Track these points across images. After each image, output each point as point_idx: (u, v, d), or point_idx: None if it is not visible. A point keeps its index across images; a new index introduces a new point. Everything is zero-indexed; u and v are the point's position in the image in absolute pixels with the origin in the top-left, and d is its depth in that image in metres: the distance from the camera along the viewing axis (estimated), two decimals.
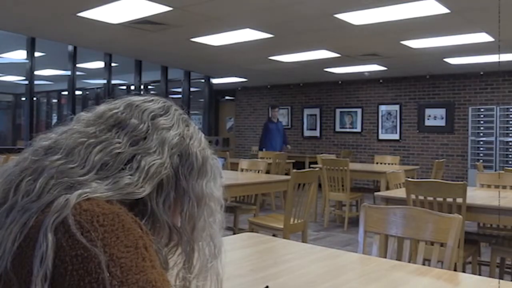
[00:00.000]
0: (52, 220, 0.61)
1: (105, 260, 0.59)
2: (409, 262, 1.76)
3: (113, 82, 9.44)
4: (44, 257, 0.59)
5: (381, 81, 10.28)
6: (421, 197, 3.06)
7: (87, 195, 0.65)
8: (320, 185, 5.44)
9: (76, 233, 0.60)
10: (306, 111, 11.59)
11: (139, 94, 0.86)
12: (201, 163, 0.80)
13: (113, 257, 0.60)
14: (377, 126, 10.38)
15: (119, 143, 0.74)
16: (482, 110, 8.65)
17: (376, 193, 3.75)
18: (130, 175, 0.71)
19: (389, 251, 1.83)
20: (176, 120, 0.81)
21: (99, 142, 0.73)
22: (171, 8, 5.12)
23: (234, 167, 5.96)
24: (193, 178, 0.79)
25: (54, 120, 14.05)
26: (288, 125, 11.91)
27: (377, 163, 7.40)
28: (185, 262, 0.82)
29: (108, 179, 0.70)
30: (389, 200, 3.29)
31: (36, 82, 8.23)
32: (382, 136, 10.33)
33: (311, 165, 7.30)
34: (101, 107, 0.81)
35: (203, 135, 0.86)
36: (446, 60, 7.84)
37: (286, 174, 6.68)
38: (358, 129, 10.66)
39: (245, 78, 11.02)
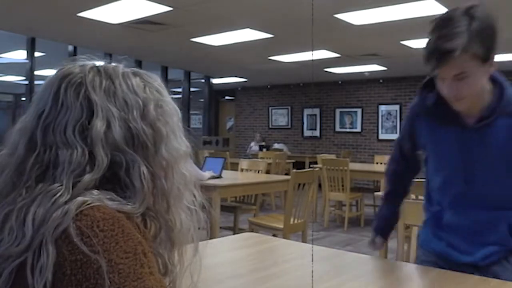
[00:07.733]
0: (53, 228, 0.61)
1: (103, 266, 0.59)
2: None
3: None
4: (45, 267, 0.59)
5: (381, 81, 10.28)
6: (421, 197, 3.06)
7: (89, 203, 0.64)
8: (320, 185, 5.44)
9: (76, 239, 0.60)
10: (306, 111, 11.59)
11: None
12: (151, 132, 0.74)
13: (111, 263, 0.60)
14: (377, 126, 10.38)
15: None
16: None
17: (376, 193, 3.76)
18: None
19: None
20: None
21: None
22: (171, 8, 5.12)
23: (234, 167, 5.96)
24: (154, 155, 0.74)
25: None
26: (288, 125, 11.90)
27: (377, 163, 7.39)
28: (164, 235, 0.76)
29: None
30: None
31: (36, 82, 8.21)
32: (382, 136, 10.32)
33: (311, 165, 7.30)
34: None
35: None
36: None
37: (286, 174, 6.68)
38: (358, 129, 10.66)
39: (245, 78, 11.01)
